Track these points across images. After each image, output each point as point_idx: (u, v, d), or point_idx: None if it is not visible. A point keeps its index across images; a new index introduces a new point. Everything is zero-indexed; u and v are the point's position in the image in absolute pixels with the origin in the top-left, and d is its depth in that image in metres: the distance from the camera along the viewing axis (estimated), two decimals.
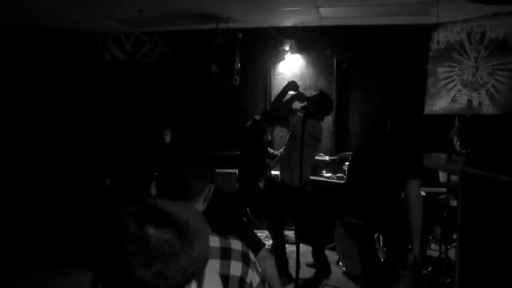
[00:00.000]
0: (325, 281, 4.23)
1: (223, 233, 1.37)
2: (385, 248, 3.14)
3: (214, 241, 1.33)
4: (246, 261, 1.33)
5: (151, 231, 0.81)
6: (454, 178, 4.33)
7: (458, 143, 4.28)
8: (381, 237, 3.34)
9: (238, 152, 5.14)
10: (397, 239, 3.10)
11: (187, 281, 0.84)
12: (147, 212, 0.85)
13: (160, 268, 0.79)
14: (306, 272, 4.30)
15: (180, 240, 0.82)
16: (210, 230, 1.38)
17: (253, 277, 1.34)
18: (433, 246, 4.66)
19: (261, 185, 5.10)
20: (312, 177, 5.27)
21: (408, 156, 3.08)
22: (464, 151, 3.96)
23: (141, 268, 0.79)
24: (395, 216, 3.09)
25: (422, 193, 4.15)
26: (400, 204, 3.10)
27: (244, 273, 1.31)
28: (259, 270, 1.39)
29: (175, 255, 0.81)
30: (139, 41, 6.38)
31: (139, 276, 0.79)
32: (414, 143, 3.18)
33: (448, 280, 3.57)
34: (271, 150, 5.46)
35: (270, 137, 5.45)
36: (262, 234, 5.62)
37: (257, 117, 5.09)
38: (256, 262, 1.39)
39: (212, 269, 0.97)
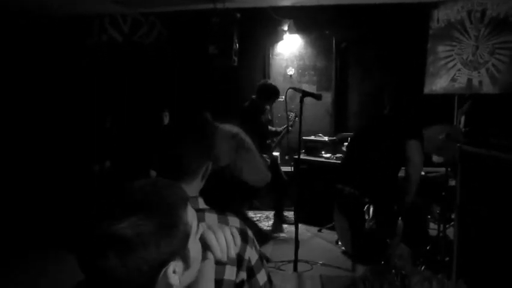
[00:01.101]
0: (323, 261, 4.26)
1: (221, 210, 1.37)
2: (373, 220, 3.18)
3: (212, 218, 1.33)
4: (244, 238, 1.33)
5: (111, 229, 0.80)
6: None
7: (463, 120, 4.28)
8: (371, 208, 3.36)
9: None
10: (388, 209, 3.15)
11: (164, 264, 0.84)
12: (105, 208, 0.85)
13: (127, 261, 0.79)
14: (304, 252, 4.33)
15: (139, 233, 0.81)
16: (207, 207, 1.38)
17: (251, 254, 1.34)
18: (431, 225, 4.68)
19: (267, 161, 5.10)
20: (311, 158, 5.33)
21: (406, 133, 3.12)
22: (465, 129, 3.97)
23: (108, 262, 0.79)
24: (390, 188, 3.14)
25: (422, 172, 4.16)
26: (396, 180, 3.16)
27: (243, 250, 1.31)
28: (258, 247, 1.40)
29: (138, 248, 0.80)
30: (137, 22, 6.31)
31: (109, 269, 0.79)
32: (412, 121, 3.20)
33: (447, 258, 3.59)
34: (273, 128, 5.48)
35: (269, 116, 5.46)
36: (262, 215, 5.65)
37: (254, 96, 5.09)
38: (255, 239, 1.39)
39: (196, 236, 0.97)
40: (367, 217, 3.21)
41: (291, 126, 5.28)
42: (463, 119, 4.44)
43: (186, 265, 0.90)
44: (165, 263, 0.84)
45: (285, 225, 5.34)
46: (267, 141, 5.26)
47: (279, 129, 5.47)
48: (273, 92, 5.06)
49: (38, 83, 6.37)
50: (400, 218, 3.17)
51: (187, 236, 0.90)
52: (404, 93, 3.51)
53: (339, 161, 5.19)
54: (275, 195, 5.34)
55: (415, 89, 5.33)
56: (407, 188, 3.17)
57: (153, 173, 1.45)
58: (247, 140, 3.75)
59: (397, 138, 3.18)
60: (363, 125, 3.76)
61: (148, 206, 0.84)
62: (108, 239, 0.80)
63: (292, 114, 5.32)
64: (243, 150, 3.66)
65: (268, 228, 5.30)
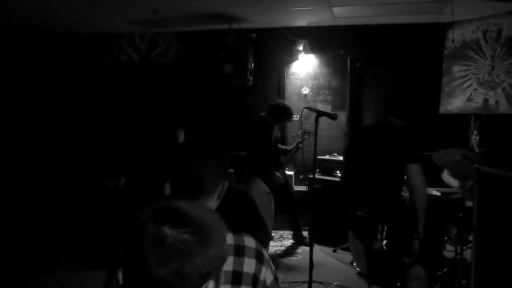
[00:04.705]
0: (338, 282, 4.21)
1: (236, 230, 1.38)
2: (385, 241, 3.12)
3: (228, 238, 1.33)
4: (259, 258, 1.33)
5: (167, 231, 0.83)
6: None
7: (477, 138, 4.22)
8: (384, 228, 3.31)
9: (245, 152, 5.12)
10: (401, 230, 3.09)
11: (204, 280, 0.86)
12: (164, 212, 0.87)
13: (176, 266, 0.81)
14: (319, 272, 4.29)
15: (195, 240, 0.84)
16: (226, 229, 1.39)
17: (266, 275, 1.34)
18: (448, 247, 4.61)
19: (280, 179, 5.10)
20: (326, 177, 5.33)
21: (402, 141, 3.12)
22: (481, 149, 3.91)
23: (158, 266, 0.81)
24: (400, 204, 3.11)
25: (437, 193, 4.12)
26: (402, 200, 3.13)
27: (258, 270, 1.31)
28: (273, 268, 1.39)
29: (191, 254, 0.82)
30: (153, 41, 6.42)
31: (156, 273, 0.80)
32: (407, 128, 3.18)
33: (464, 281, 3.53)
34: (283, 146, 5.47)
35: (279, 133, 5.46)
36: (276, 234, 5.61)
37: (263, 114, 5.11)
38: (270, 260, 1.39)
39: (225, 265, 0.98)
40: (379, 237, 3.16)
41: (301, 143, 5.27)
42: (476, 138, 4.39)
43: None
44: (209, 274, 0.86)
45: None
46: (279, 159, 5.26)
47: (288, 147, 5.47)
48: (283, 113, 5.08)
49: (55, 99, 6.49)
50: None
51: (226, 256, 0.93)
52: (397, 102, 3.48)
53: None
54: (288, 214, 5.32)
55: (431, 108, 5.32)
56: (417, 216, 3.05)
57: (167, 192, 1.46)
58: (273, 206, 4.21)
59: (396, 160, 3.12)
60: (359, 135, 3.71)
61: (197, 218, 0.88)
62: (172, 243, 0.82)
63: (301, 130, 5.31)
64: (267, 210, 4.02)
65: (283, 248, 5.26)
